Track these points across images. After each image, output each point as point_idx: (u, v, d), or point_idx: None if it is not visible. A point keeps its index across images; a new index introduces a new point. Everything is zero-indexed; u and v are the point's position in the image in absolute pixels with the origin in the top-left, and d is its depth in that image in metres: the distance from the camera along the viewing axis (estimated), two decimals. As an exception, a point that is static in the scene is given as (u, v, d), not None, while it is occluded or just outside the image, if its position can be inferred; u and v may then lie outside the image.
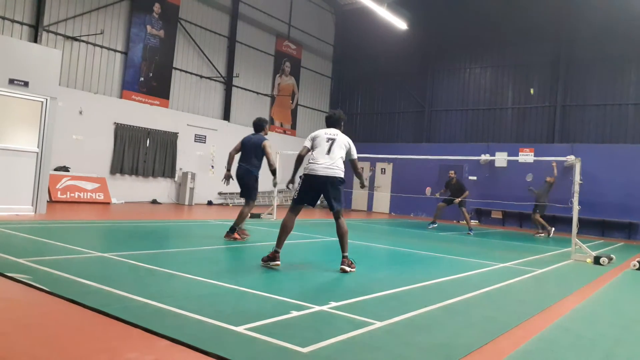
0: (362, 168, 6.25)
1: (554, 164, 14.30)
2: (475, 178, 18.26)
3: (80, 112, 13.35)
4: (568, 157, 13.70)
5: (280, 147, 15.82)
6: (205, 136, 16.85)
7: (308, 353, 2.70)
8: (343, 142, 5.61)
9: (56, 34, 12.98)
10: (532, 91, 12.91)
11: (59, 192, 12.36)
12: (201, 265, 5.61)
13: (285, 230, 5.41)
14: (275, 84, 19.89)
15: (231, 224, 7.75)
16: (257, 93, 19.12)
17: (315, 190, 5.49)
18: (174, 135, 15.72)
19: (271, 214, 12.72)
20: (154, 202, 14.96)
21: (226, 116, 17.70)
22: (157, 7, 15.24)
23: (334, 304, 3.82)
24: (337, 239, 5.54)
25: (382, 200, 20.70)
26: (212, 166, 16.78)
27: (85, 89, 13.63)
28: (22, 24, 12.37)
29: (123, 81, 14.53)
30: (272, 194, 15.97)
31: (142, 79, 14.95)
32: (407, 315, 3.67)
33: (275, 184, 7.67)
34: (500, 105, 18.65)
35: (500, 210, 17.45)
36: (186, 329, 2.96)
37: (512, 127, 18.33)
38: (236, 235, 7.37)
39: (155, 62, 15.26)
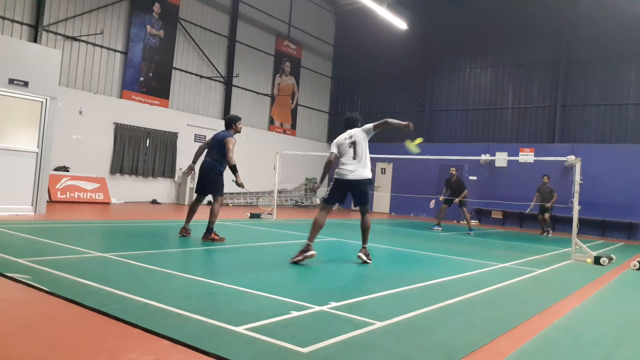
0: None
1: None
2: (475, 178, 18.26)
3: (80, 112, 13.35)
4: (568, 157, 13.72)
5: (280, 147, 15.83)
6: (205, 136, 16.84)
7: (308, 353, 2.70)
8: (361, 137, 6.04)
9: (56, 33, 12.98)
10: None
11: (58, 192, 12.36)
12: (201, 265, 5.62)
13: (316, 226, 5.85)
14: (275, 84, 19.89)
15: (231, 224, 7.74)
16: (257, 93, 19.12)
17: (344, 191, 6.07)
18: (174, 135, 15.72)
19: (271, 214, 12.72)
20: (154, 202, 14.96)
21: (226, 116, 17.67)
22: (157, 7, 15.24)
23: (334, 304, 3.82)
24: (360, 232, 6.19)
25: (382, 200, 20.69)
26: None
27: (85, 89, 13.63)
28: (22, 24, 12.37)
29: (123, 81, 14.53)
30: (272, 194, 15.96)
31: (142, 78, 14.95)
32: (407, 315, 3.67)
33: (238, 184, 7.32)
34: (500, 105, 18.65)
35: (501, 210, 17.45)
36: (186, 329, 2.95)
37: (512, 127, 18.32)
38: (214, 236, 7.12)
39: (155, 62, 15.26)
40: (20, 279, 3.85)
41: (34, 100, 8.92)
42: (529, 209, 13.84)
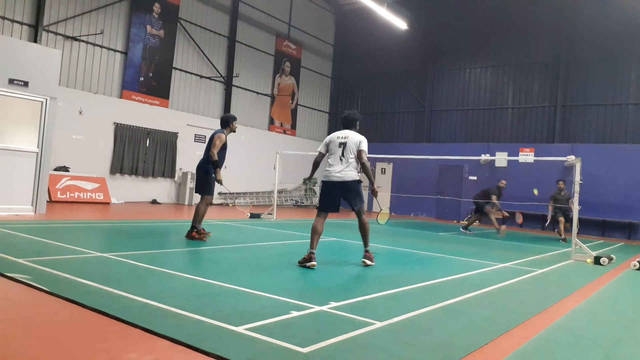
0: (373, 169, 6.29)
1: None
2: (475, 178, 18.26)
3: (80, 112, 13.35)
4: (568, 157, 13.71)
5: (280, 147, 15.83)
6: (205, 136, 16.83)
7: (308, 353, 2.70)
8: (354, 142, 5.83)
9: (56, 33, 12.98)
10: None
11: (58, 192, 12.36)
12: (201, 265, 5.62)
13: (315, 233, 5.73)
14: (275, 84, 19.88)
15: (231, 224, 7.74)
16: (257, 93, 19.12)
17: (335, 195, 5.83)
18: (174, 135, 15.72)
19: (271, 214, 12.71)
20: (154, 202, 14.96)
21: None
22: (157, 7, 15.23)
23: (334, 304, 3.82)
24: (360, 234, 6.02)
25: (382, 200, 20.68)
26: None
27: (85, 89, 13.63)
28: (22, 24, 12.37)
29: (123, 81, 14.53)
30: (272, 194, 15.96)
31: (142, 78, 14.95)
32: (407, 315, 3.67)
33: (217, 181, 7.26)
34: (500, 105, 18.65)
35: (500, 211, 17.42)
36: (186, 329, 2.96)
37: (512, 127, 18.32)
38: (194, 234, 7.06)
39: (155, 62, 15.26)
40: (20, 279, 3.85)
41: (34, 100, 8.92)
42: (547, 222, 12.74)
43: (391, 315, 3.59)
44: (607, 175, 15.39)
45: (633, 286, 6.22)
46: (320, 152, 6.00)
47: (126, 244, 6.54)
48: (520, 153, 17.30)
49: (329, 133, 22.60)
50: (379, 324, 3.35)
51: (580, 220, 8.72)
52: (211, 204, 7.58)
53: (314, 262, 5.49)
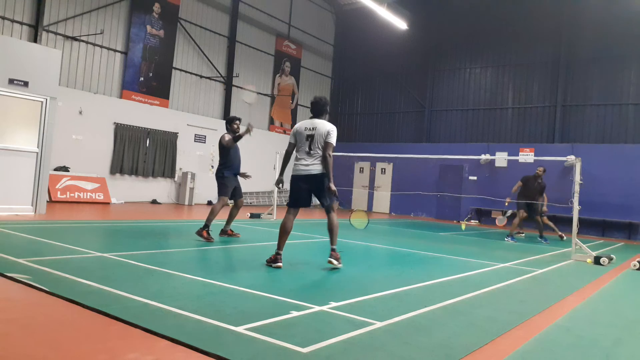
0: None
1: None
2: (475, 178, 18.27)
3: (80, 112, 13.35)
4: (568, 157, 13.70)
5: (280, 147, 15.79)
6: (205, 136, 16.85)
7: (308, 353, 2.70)
8: (321, 134, 5.46)
9: (56, 34, 12.98)
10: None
11: (58, 192, 12.36)
12: (201, 265, 5.61)
13: (284, 232, 5.48)
14: (275, 84, 19.88)
15: (231, 223, 7.75)
16: (257, 93, 19.12)
17: (304, 190, 5.52)
18: (174, 135, 15.72)
19: (271, 214, 12.71)
20: (154, 202, 14.96)
21: (226, 116, 17.65)
22: (157, 7, 15.23)
23: (334, 304, 3.82)
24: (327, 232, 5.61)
25: (382, 200, 20.69)
26: (212, 166, 16.77)
27: (85, 89, 13.62)
28: (22, 24, 12.37)
29: (123, 81, 14.53)
30: (272, 194, 15.97)
31: (142, 78, 14.95)
32: (407, 315, 3.67)
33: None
34: (500, 105, 18.65)
35: (501, 210, 17.44)
36: (186, 329, 2.96)
37: (512, 127, 18.32)
38: (204, 233, 7.13)
39: (155, 62, 15.26)
40: (20, 279, 3.85)
41: (34, 100, 8.92)
42: (507, 213, 11.30)
43: (391, 315, 3.59)
44: (607, 175, 15.39)
45: (633, 286, 6.22)
46: (291, 143, 5.62)
47: (126, 244, 6.54)
48: (520, 153, 17.31)
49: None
50: (379, 324, 3.35)
51: (580, 220, 8.73)
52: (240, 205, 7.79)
53: (279, 264, 5.31)
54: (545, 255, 8.68)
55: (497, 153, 17.39)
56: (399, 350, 2.89)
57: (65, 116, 12.40)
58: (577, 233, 8.33)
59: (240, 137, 7.45)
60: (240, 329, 3.02)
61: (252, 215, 12.39)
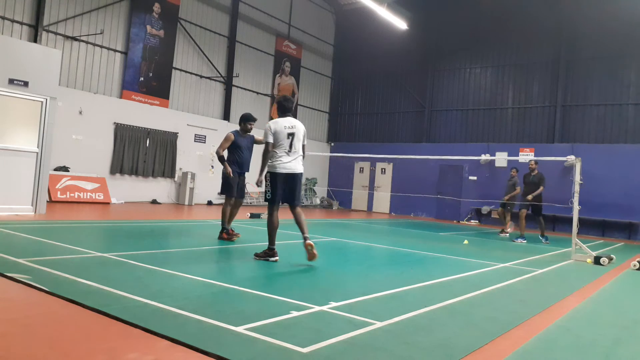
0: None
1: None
2: (475, 178, 18.27)
3: (80, 112, 13.35)
4: (568, 157, 13.71)
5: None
6: (205, 136, 16.85)
7: (308, 353, 2.70)
8: (301, 133, 5.77)
9: (56, 34, 12.98)
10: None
11: (58, 192, 12.36)
12: (201, 265, 5.61)
13: (273, 228, 5.71)
14: (275, 84, 19.88)
15: (231, 223, 7.75)
16: (257, 93, 19.12)
17: (285, 187, 5.72)
18: (174, 135, 15.72)
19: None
20: (154, 202, 14.96)
21: (226, 116, 17.70)
22: (157, 7, 15.23)
23: (334, 304, 3.82)
24: (297, 225, 5.79)
25: (382, 200, 20.69)
26: (212, 166, 16.78)
27: (85, 89, 13.63)
28: (22, 24, 12.37)
29: (123, 81, 14.53)
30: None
31: (142, 78, 14.95)
32: (407, 315, 3.67)
33: (226, 175, 7.29)
34: (500, 105, 18.65)
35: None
36: (186, 329, 2.96)
37: (512, 127, 18.33)
38: (224, 235, 7.27)
39: (155, 62, 15.26)
40: (20, 279, 3.85)
41: (34, 100, 8.92)
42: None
43: (391, 315, 3.59)
44: (607, 175, 15.39)
45: (633, 286, 6.23)
46: (270, 143, 5.67)
47: (126, 244, 6.53)
48: (520, 153, 17.31)
49: (330, 133, 22.93)
50: (379, 324, 3.35)
51: (580, 220, 8.73)
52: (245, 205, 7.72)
53: (276, 258, 5.61)
54: (545, 255, 8.68)
55: (497, 153, 17.40)
56: (399, 350, 2.89)
57: (65, 116, 12.41)
58: (577, 233, 8.33)
59: (223, 162, 7.18)
60: (240, 329, 3.02)
61: (252, 215, 12.39)
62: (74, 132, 13.18)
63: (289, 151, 5.65)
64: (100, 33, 13.90)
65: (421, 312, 3.80)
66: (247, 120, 7.56)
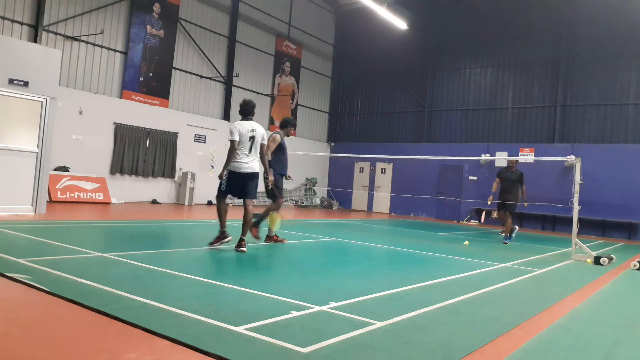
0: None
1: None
2: (475, 178, 18.27)
3: (80, 112, 13.35)
4: (568, 157, 13.71)
5: (280, 147, 15.81)
6: (205, 136, 16.85)
7: (308, 353, 2.70)
8: (261, 136, 6.35)
9: (56, 34, 12.97)
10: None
11: (58, 192, 12.35)
12: (201, 265, 5.61)
13: (221, 213, 6.36)
14: (275, 84, 19.88)
15: (231, 224, 7.74)
16: (257, 93, 19.12)
17: (239, 183, 6.30)
18: (174, 135, 15.72)
19: (271, 214, 12.67)
20: (154, 202, 14.96)
21: (226, 116, 17.69)
22: (156, 7, 15.23)
23: (334, 304, 3.82)
24: (242, 221, 6.42)
25: (382, 200, 20.69)
26: (212, 166, 16.77)
27: (85, 89, 13.62)
28: (22, 23, 12.37)
29: (123, 81, 14.53)
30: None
31: (142, 78, 14.95)
32: (407, 315, 3.67)
33: (268, 182, 7.25)
34: (500, 105, 18.65)
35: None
36: (186, 329, 2.96)
37: (512, 127, 18.33)
38: (275, 237, 7.34)
39: (155, 62, 15.25)
40: (20, 279, 3.85)
41: (34, 100, 8.92)
42: (489, 202, 11.21)
43: (391, 315, 3.59)
44: (607, 175, 15.39)
45: (633, 286, 6.23)
46: (236, 141, 6.18)
47: (126, 244, 6.54)
48: (520, 153, 17.31)
49: (329, 133, 22.92)
50: (379, 324, 3.35)
51: (580, 220, 8.73)
52: (280, 207, 7.67)
53: (229, 237, 6.23)
54: (545, 255, 8.68)
55: (497, 153, 17.39)
56: (399, 350, 2.89)
57: (65, 116, 12.40)
58: (577, 233, 8.32)
59: (270, 167, 7.02)
60: (240, 329, 3.02)
61: (252, 215, 12.37)
62: (74, 132, 13.17)
63: (249, 153, 6.24)
64: (100, 33, 13.90)
65: (421, 312, 3.80)
66: (293, 125, 7.79)
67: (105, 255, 5.31)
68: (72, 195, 12.62)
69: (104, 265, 4.86)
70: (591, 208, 14.71)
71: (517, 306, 4.45)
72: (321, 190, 21.79)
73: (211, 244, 6.33)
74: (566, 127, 17.20)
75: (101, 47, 14.02)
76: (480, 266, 6.68)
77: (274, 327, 3.11)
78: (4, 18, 12.01)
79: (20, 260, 4.57)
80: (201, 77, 16.88)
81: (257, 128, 6.29)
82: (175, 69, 15.99)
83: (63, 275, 4.11)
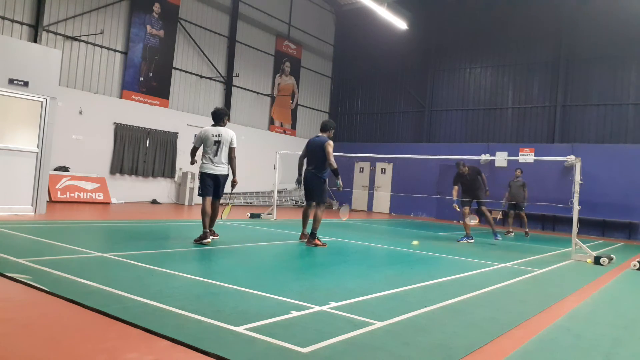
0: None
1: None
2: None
3: (80, 112, 13.35)
4: (568, 157, 13.70)
5: (280, 147, 15.84)
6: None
7: (308, 353, 2.70)
8: (227, 140, 6.79)
9: (56, 34, 12.98)
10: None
11: (58, 192, 12.36)
12: (201, 265, 5.61)
13: (206, 215, 6.71)
14: (275, 84, 19.88)
15: (231, 224, 7.74)
16: (257, 93, 19.12)
17: (212, 184, 6.81)
18: (174, 135, 15.72)
19: (271, 214, 12.71)
20: (154, 202, 14.96)
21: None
22: (157, 7, 15.23)
23: (334, 304, 3.82)
24: (211, 215, 6.87)
25: (382, 200, 20.69)
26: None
27: (85, 89, 13.62)
28: (22, 24, 12.37)
29: (123, 81, 14.53)
30: (272, 194, 15.95)
31: (142, 78, 14.95)
32: (407, 315, 3.67)
33: (339, 187, 7.56)
34: (500, 105, 18.65)
35: (500, 210, 17.44)
36: (186, 329, 2.96)
37: (512, 127, 18.32)
38: (317, 241, 7.42)
39: (155, 62, 15.26)
40: (20, 279, 3.85)
41: (34, 100, 8.92)
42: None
43: (391, 315, 3.59)
44: (607, 175, 15.39)
45: (633, 286, 6.22)
46: (195, 147, 6.95)
47: (126, 244, 6.53)
48: (520, 153, 17.30)
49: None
50: (379, 324, 3.35)
51: (580, 220, 8.72)
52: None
53: (209, 239, 6.60)
54: (545, 255, 8.68)
55: (497, 153, 17.38)
56: (399, 350, 2.89)
57: (65, 116, 12.40)
58: (577, 233, 8.32)
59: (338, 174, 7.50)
60: (240, 329, 3.02)
61: (252, 215, 12.40)
62: (74, 132, 13.17)
63: (214, 156, 6.75)
64: (100, 33, 13.90)
65: (421, 312, 3.79)
66: (333, 127, 7.96)
67: (105, 255, 5.31)
68: (72, 195, 12.62)
69: (104, 265, 4.86)
70: (591, 208, 14.71)
71: (517, 306, 4.44)
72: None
73: (195, 241, 6.68)
74: (566, 127, 17.20)
75: (101, 47, 14.02)
76: (480, 266, 6.68)
77: (274, 327, 3.11)
78: (4, 18, 12.01)
79: (20, 260, 4.57)
80: (201, 77, 16.88)
81: (222, 132, 6.73)
82: (175, 69, 15.99)
83: (63, 275, 4.11)
